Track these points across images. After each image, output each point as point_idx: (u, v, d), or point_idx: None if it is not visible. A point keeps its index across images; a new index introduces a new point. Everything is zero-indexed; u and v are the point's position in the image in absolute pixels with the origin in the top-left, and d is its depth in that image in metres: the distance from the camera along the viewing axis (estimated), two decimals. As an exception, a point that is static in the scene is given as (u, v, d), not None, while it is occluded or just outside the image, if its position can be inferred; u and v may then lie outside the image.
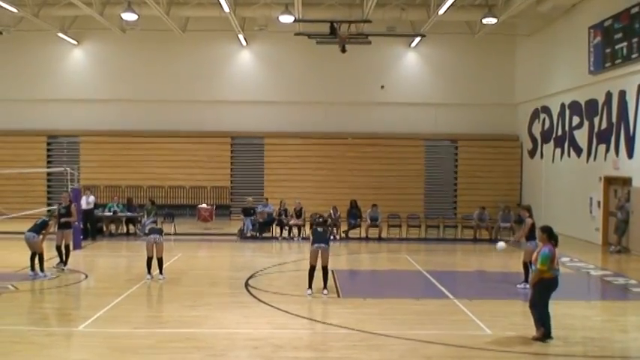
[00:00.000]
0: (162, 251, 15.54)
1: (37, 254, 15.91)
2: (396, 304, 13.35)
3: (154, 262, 15.46)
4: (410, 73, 31.94)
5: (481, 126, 31.52)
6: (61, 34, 29.92)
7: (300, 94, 31.32)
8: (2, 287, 14.31)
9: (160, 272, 15.56)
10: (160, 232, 15.63)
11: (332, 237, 22.91)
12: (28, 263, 15.93)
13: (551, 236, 10.75)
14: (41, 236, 16.11)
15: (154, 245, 15.37)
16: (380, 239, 24.14)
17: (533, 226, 14.97)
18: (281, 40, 30.07)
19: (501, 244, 15.23)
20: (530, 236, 14.89)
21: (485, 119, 31.54)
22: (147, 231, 15.60)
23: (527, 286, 13.64)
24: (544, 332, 10.57)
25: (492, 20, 25.46)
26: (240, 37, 30.18)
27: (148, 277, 15.41)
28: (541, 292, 10.65)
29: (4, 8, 25.25)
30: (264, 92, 31.47)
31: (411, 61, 32.01)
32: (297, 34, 26.08)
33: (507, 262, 18.74)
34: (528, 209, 15.90)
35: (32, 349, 10.06)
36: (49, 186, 31.26)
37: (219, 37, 30.64)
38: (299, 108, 31.38)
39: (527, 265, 14.63)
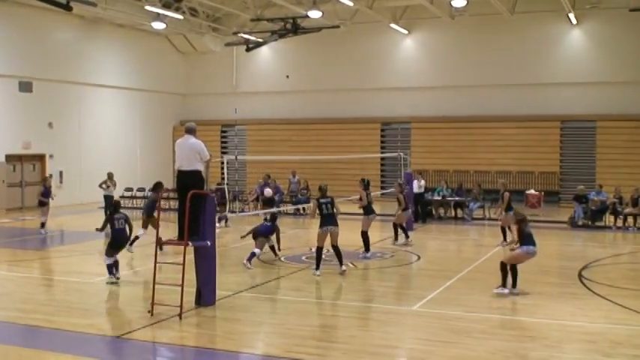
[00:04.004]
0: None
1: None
2: None
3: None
4: None
5: None
6: (393, 25, 31.33)
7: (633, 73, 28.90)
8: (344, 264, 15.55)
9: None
10: None
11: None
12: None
13: None
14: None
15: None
16: None
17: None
18: (614, 17, 28.22)
19: None
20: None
21: None
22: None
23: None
24: None
25: None
26: (571, 15, 28.80)
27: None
28: None
29: (342, 3, 27.17)
30: (593, 72, 29.55)
31: None
32: (632, 9, 24.19)
33: None
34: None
35: (371, 325, 10.85)
36: (382, 170, 33.02)
37: (548, 17, 29.63)
38: (632, 87, 29.03)
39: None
